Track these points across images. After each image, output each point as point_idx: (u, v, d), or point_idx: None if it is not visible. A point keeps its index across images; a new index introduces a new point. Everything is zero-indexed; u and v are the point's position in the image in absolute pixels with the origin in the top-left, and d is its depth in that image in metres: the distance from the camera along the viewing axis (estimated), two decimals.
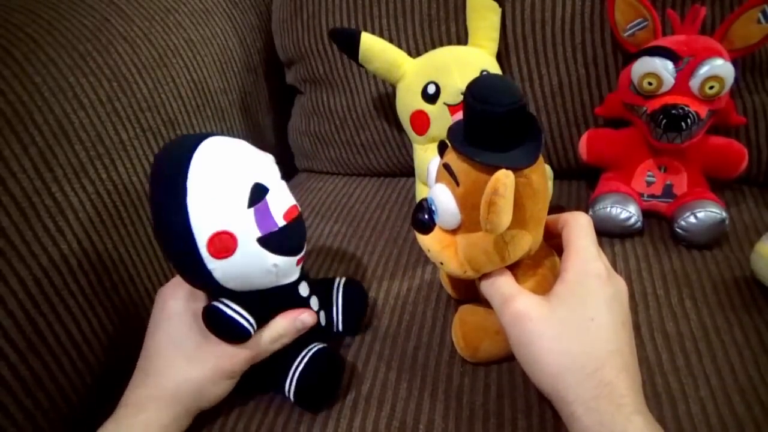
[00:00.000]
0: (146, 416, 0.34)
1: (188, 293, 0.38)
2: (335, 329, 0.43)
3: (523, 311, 0.32)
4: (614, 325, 0.31)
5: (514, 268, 0.35)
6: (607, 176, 0.55)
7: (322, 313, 0.42)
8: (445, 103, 0.50)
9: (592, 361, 0.30)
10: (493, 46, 0.55)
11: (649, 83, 0.48)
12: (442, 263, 0.35)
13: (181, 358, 0.36)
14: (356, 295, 0.44)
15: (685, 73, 0.47)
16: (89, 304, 0.42)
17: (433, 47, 0.58)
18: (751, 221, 0.52)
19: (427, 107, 0.51)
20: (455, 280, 0.45)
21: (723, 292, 0.44)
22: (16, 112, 0.39)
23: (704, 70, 0.46)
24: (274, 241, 0.35)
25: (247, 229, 0.34)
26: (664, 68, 0.47)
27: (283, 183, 0.37)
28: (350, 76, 0.65)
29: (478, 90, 0.31)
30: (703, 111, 0.47)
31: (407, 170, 0.66)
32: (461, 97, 0.49)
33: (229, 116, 0.64)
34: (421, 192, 0.57)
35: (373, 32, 0.59)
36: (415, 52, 0.60)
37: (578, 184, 0.62)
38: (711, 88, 0.46)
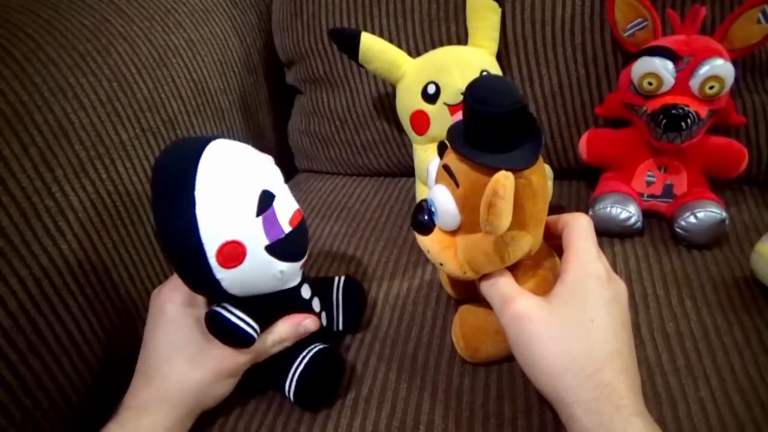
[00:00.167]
0: (150, 419, 0.34)
1: (186, 295, 0.38)
2: (335, 328, 0.43)
3: (523, 312, 0.32)
4: (614, 326, 0.31)
5: (514, 269, 0.35)
6: (607, 176, 0.55)
7: (323, 314, 0.42)
8: (445, 103, 0.50)
9: (592, 362, 0.30)
10: (493, 46, 0.55)
11: (649, 83, 0.48)
12: (441, 264, 0.35)
13: (183, 361, 0.36)
14: (356, 294, 0.44)
15: (685, 73, 0.47)
16: (89, 304, 0.42)
17: (433, 47, 0.58)
18: (751, 221, 0.52)
19: (427, 107, 0.51)
20: (455, 281, 0.45)
21: (723, 292, 0.44)
22: (16, 112, 0.39)
23: (704, 70, 0.46)
24: (281, 248, 0.34)
25: (255, 238, 0.33)
26: (664, 68, 0.47)
27: (287, 187, 0.37)
28: (350, 76, 0.65)
29: (478, 91, 0.31)
30: (703, 111, 0.47)
31: (407, 170, 0.66)
32: (461, 97, 0.49)
33: (229, 116, 0.64)
34: (421, 192, 0.57)
35: (373, 32, 0.59)
36: (415, 52, 0.60)
37: (578, 184, 0.62)
38: (711, 88, 0.46)
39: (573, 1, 0.55)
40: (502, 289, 0.34)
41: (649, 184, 0.53)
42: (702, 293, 0.44)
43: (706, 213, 0.47)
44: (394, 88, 0.56)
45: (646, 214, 0.52)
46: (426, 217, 0.35)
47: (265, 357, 0.38)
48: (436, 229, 0.35)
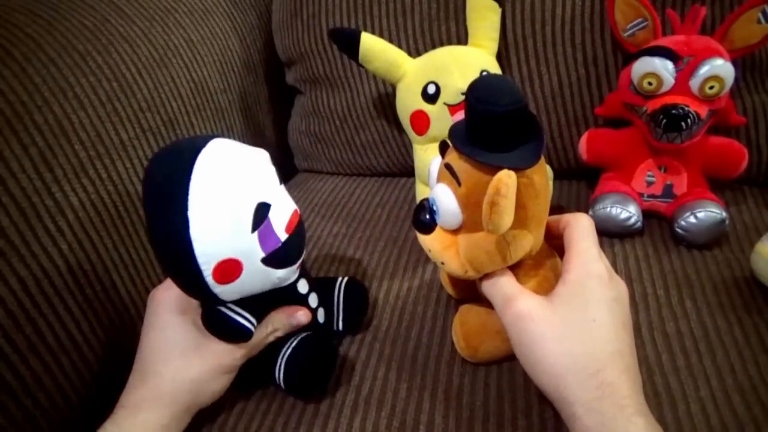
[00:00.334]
0: (146, 417, 0.34)
1: (181, 294, 0.38)
2: (335, 327, 0.43)
3: (525, 312, 0.32)
4: (615, 326, 0.31)
5: (516, 268, 0.35)
6: (607, 176, 0.55)
7: (321, 310, 0.42)
8: (445, 103, 0.50)
9: (594, 362, 0.30)
10: (493, 46, 0.55)
11: (649, 83, 0.48)
12: (443, 263, 0.35)
13: (179, 358, 0.36)
14: (357, 295, 0.44)
15: (685, 73, 0.47)
16: (89, 304, 0.42)
17: (433, 47, 0.58)
18: (751, 221, 0.52)
19: (427, 107, 0.51)
20: (455, 280, 0.45)
21: (723, 292, 0.44)
22: (16, 112, 0.39)
23: (704, 70, 0.46)
24: (277, 257, 0.35)
25: (252, 253, 0.33)
26: (664, 68, 0.47)
27: (282, 188, 0.37)
28: (350, 76, 0.65)
29: (480, 90, 0.31)
30: (703, 111, 0.47)
31: (407, 170, 0.66)
32: (461, 97, 0.49)
33: (229, 116, 0.64)
34: (421, 192, 0.57)
35: (373, 32, 0.59)
36: (415, 52, 0.60)
37: (578, 184, 0.62)
38: (711, 88, 0.46)
39: (573, 1, 0.55)
40: (504, 288, 0.34)
41: (649, 184, 0.53)
42: (702, 293, 0.44)
43: (706, 213, 0.47)
44: (394, 88, 0.56)
45: (646, 214, 0.52)
46: (427, 217, 0.35)
47: (258, 350, 0.38)
48: (437, 229, 0.35)
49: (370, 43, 0.53)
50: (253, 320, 0.36)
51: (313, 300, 0.41)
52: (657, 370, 0.38)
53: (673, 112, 0.46)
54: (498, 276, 0.35)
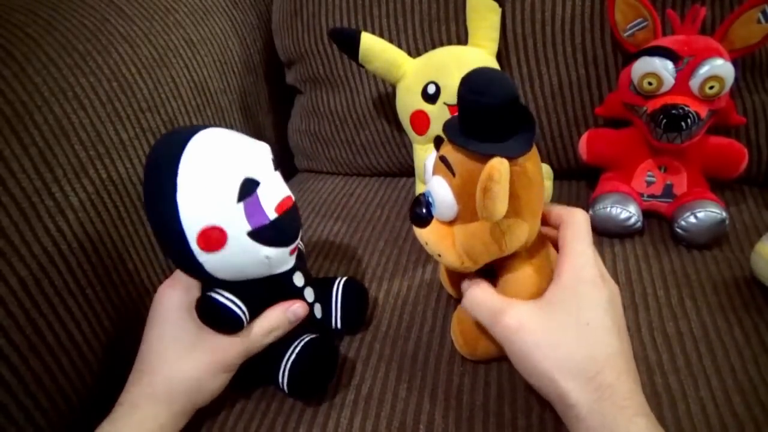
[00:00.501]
0: (142, 414, 0.34)
1: (183, 291, 0.38)
2: (334, 325, 0.43)
3: (516, 324, 0.32)
4: (610, 328, 0.31)
5: (511, 259, 0.36)
6: (607, 176, 0.55)
7: (318, 306, 0.42)
8: (445, 103, 0.50)
9: (592, 364, 0.30)
10: (493, 46, 0.55)
11: (649, 83, 0.48)
12: (440, 255, 0.35)
13: (175, 355, 0.36)
14: (356, 293, 0.44)
15: (685, 73, 0.47)
16: (89, 304, 0.42)
17: (433, 47, 0.58)
18: (751, 221, 0.52)
19: (427, 107, 0.51)
20: (454, 278, 0.45)
21: (723, 292, 0.44)
22: (16, 112, 0.39)
23: (704, 70, 0.46)
24: (265, 234, 0.35)
25: (236, 224, 0.34)
26: (664, 68, 0.47)
27: (277, 174, 0.37)
28: (350, 76, 0.65)
29: (472, 83, 0.31)
30: (703, 111, 0.47)
31: (407, 170, 0.66)
32: None
33: (229, 116, 0.64)
34: (420, 191, 0.57)
35: (373, 32, 0.59)
36: (415, 52, 0.60)
37: (578, 184, 0.62)
38: (711, 88, 0.46)
39: (573, 1, 0.55)
40: (488, 304, 0.35)
41: (649, 184, 0.53)
42: (702, 293, 0.44)
43: (706, 213, 0.47)
44: (394, 88, 0.56)
45: (646, 214, 0.52)
46: (424, 210, 0.35)
47: (257, 349, 0.38)
48: (433, 221, 0.35)
49: (370, 43, 0.53)
50: (245, 309, 0.36)
51: (309, 294, 0.41)
52: (657, 370, 0.38)
53: (673, 112, 0.46)
54: (477, 293, 0.35)
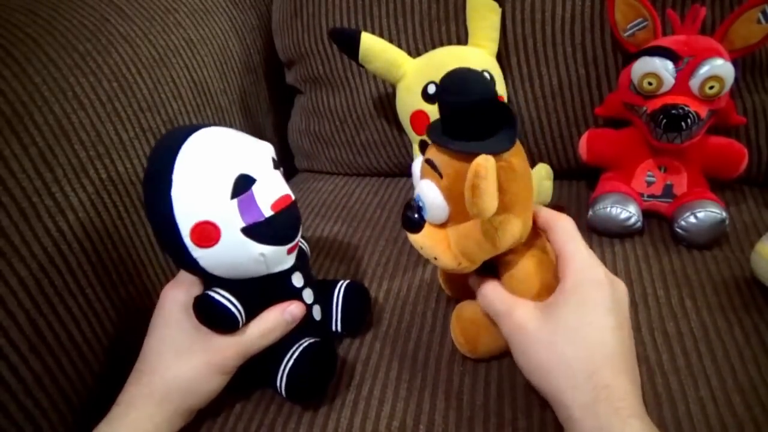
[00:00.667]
0: (137, 414, 0.34)
1: (185, 292, 0.38)
2: (334, 328, 0.43)
3: (521, 323, 0.33)
4: (612, 328, 0.31)
5: (511, 255, 0.36)
6: (607, 176, 0.55)
7: (317, 307, 0.42)
8: None
9: (588, 365, 0.30)
10: (493, 46, 0.55)
11: (649, 83, 0.48)
12: (436, 258, 0.35)
13: (172, 355, 0.36)
14: (357, 296, 0.44)
15: (685, 73, 0.47)
16: (89, 304, 0.42)
17: (433, 47, 0.58)
18: (751, 221, 0.52)
19: (428, 107, 0.51)
20: (451, 279, 0.45)
21: (723, 292, 0.44)
22: (16, 112, 0.39)
23: (704, 70, 0.46)
24: (259, 231, 0.35)
25: (230, 220, 0.34)
26: (664, 68, 0.47)
27: (276, 173, 0.37)
28: (350, 76, 0.65)
29: (448, 83, 0.32)
30: (703, 111, 0.47)
31: (407, 170, 0.66)
32: None
33: (229, 116, 0.64)
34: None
35: (373, 32, 0.59)
36: (415, 52, 0.60)
37: (578, 184, 0.62)
38: (711, 88, 0.46)
39: (573, 1, 0.55)
40: (497, 302, 0.35)
41: (649, 184, 0.53)
42: (702, 293, 0.44)
43: (706, 213, 0.47)
44: (394, 88, 0.56)
45: (646, 214, 0.52)
46: (416, 215, 0.35)
47: (254, 351, 0.37)
48: (426, 225, 0.35)
49: (370, 43, 0.53)
50: (240, 308, 0.36)
51: (308, 295, 0.41)
52: (657, 370, 0.38)
53: (673, 112, 0.46)
54: (488, 291, 0.36)
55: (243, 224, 0.34)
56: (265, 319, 0.38)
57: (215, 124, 0.37)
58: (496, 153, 0.31)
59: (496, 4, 0.54)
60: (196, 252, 0.34)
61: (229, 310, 0.36)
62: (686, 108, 0.46)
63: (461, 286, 0.44)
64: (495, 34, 0.55)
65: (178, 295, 0.38)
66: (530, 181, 0.35)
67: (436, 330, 0.44)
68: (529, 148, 0.61)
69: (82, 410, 0.41)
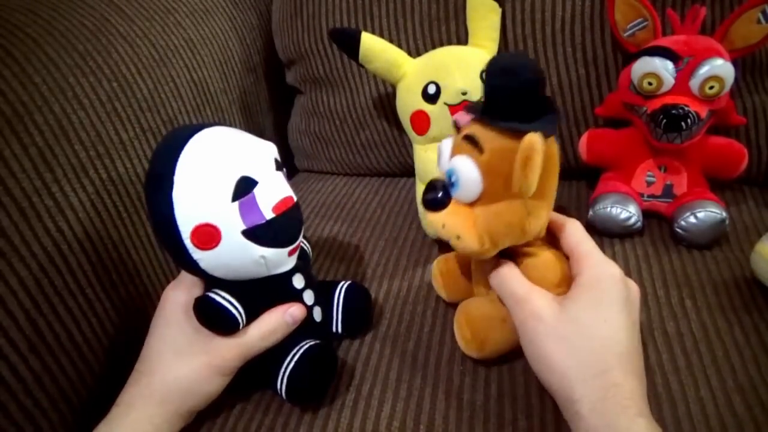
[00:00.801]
0: (136, 415, 0.34)
1: (186, 293, 0.38)
2: (334, 329, 0.43)
3: (536, 311, 0.33)
4: (626, 327, 0.31)
5: (528, 247, 0.36)
6: (607, 176, 0.55)
7: (317, 309, 0.42)
8: (445, 103, 0.50)
9: (600, 362, 0.30)
10: (494, 46, 0.55)
11: (649, 83, 0.48)
12: (458, 237, 0.34)
13: (172, 355, 0.36)
14: (358, 298, 0.44)
15: (685, 73, 0.47)
16: (89, 304, 0.42)
17: (433, 47, 0.58)
18: (751, 221, 0.52)
19: (428, 107, 0.51)
20: (449, 281, 0.44)
21: (723, 292, 0.44)
22: (16, 112, 0.39)
23: (704, 70, 0.46)
24: (260, 234, 0.35)
25: (231, 222, 0.34)
26: (664, 68, 0.47)
27: (279, 174, 0.37)
28: (350, 76, 0.65)
29: (503, 63, 0.32)
30: (703, 111, 0.47)
31: (407, 170, 0.66)
32: (462, 97, 0.49)
33: (229, 116, 0.64)
34: (420, 192, 0.57)
35: (373, 32, 0.59)
36: (415, 52, 0.60)
37: (578, 184, 0.62)
38: (711, 88, 0.46)
39: (573, 1, 0.55)
40: (515, 288, 0.35)
41: (649, 184, 0.53)
42: (702, 293, 0.44)
43: (706, 213, 0.47)
44: (394, 88, 0.56)
45: (646, 214, 0.52)
46: (440, 194, 0.35)
47: (254, 353, 0.37)
48: (451, 203, 0.35)
49: (371, 43, 0.53)
50: (241, 310, 0.36)
51: (308, 297, 0.41)
52: (657, 370, 0.38)
53: (673, 112, 0.46)
54: (506, 273, 0.35)
55: (244, 227, 0.34)
56: (265, 321, 0.38)
57: (215, 125, 0.37)
58: (546, 134, 0.31)
59: (496, 4, 0.54)
60: (197, 254, 0.34)
61: (230, 311, 0.36)
62: (686, 108, 0.46)
63: (458, 288, 0.44)
64: (495, 34, 0.55)
65: (179, 296, 0.38)
66: (557, 176, 0.35)
67: (436, 330, 0.44)
68: None
69: (82, 410, 0.41)
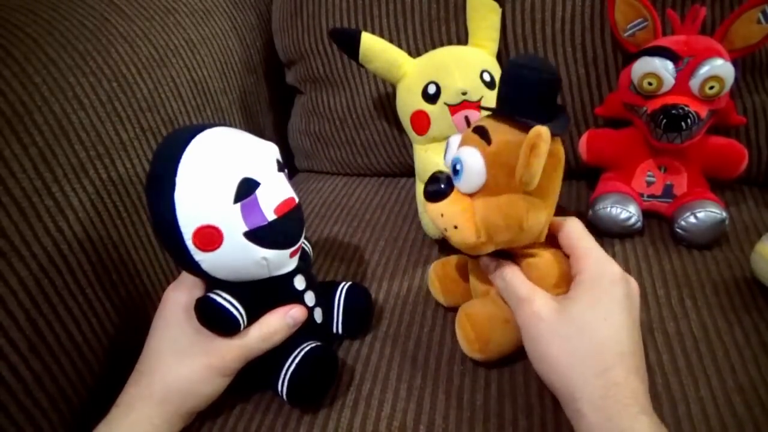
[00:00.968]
0: (136, 415, 0.34)
1: (187, 293, 0.38)
2: (335, 330, 0.43)
3: (537, 311, 0.33)
4: (626, 326, 0.31)
5: (529, 248, 0.36)
6: (607, 176, 0.55)
7: (318, 310, 0.42)
8: (445, 103, 0.50)
9: (601, 361, 0.30)
10: (494, 46, 0.55)
11: (649, 83, 0.48)
12: (455, 227, 0.35)
13: (172, 356, 0.36)
14: (359, 299, 0.44)
15: (685, 73, 0.47)
16: (89, 304, 0.42)
17: (433, 47, 0.58)
18: (751, 221, 0.52)
19: (428, 107, 0.51)
20: (447, 284, 0.44)
21: (723, 292, 0.44)
22: (16, 112, 0.39)
23: (704, 70, 0.46)
24: (262, 235, 0.35)
25: (233, 224, 0.34)
26: (664, 68, 0.47)
27: (281, 176, 0.37)
28: (350, 76, 0.65)
29: (523, 59, 0.33)
30: (703, 111, 0.47)
31: (407, 170, 0.66)
32: (462, 97, 0.49)
33: (229, 116, 0.64)
34: (421, 192, 0.57)
35: (373, 32, 0.59)
36: (415, 52, 0.60)
37: (578, 184, 0.62)
38: (711, 88, 0.46)
39: (573, 1, 0.55)
40: (518, 288, 0.35)
41: (649, 184, 0.53)
42: (702, 293, 0.44)
43: (706, 213, 0.47)
44: (394, 88, 0.56)
45: (646, 214, 0.52)
46: (442, 186, 0.35)
47: (255, 354, 0.37)
48: (452, 193, 0.35)
49: (371, 43, 0.53)
50: (242, 311, 0.36)
51: (309, 298, 0.41)
52: (657, 370, 0.38)
53: (673, 112, 0.46)
54: (508, 274, 0.36)
55: (246, 228, 0.34)
56: (266, 322, 0.38)
57: (215, 125, 0.37)
58: (555, 133, 0.31)
59: (496, 4, 0.54)
60: (198, 255, 0.34)
61: (230, 312, 0.35)
62: (686, 108, 0.46)
63: (459, 291, 0.44)
64: (495, 34, 0.55)
65: (179, 297, 0.38)
66: (561, 179, 0.35)
67: (436, 330, 0.44)
68: None
69: (82, 410, 0.41)
